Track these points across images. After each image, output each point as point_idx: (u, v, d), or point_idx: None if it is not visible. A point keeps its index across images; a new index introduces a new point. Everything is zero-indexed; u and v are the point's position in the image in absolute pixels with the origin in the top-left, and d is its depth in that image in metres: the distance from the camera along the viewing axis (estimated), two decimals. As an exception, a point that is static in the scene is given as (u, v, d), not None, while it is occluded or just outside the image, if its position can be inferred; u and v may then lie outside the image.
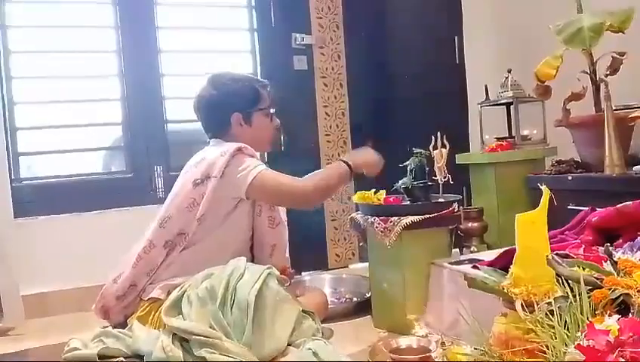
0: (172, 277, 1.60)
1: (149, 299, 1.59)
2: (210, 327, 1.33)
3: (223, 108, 1.79)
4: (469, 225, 2.37)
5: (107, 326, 1.57)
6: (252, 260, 1.70)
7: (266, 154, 3.03)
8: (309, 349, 1.34)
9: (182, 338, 1.33)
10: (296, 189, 1.68)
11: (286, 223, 1.80)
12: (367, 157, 1.83)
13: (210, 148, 1.77)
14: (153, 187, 2.79)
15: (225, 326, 1.33)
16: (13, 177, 2.54)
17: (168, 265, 1.63)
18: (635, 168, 1.96)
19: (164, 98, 2.85)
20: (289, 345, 1.38)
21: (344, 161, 1.75)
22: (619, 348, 0.83)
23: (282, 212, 1.79)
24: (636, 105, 2.06)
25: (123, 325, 1.59)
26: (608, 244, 1.27)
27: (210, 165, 1.64)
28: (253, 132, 1.81)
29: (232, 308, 1.35)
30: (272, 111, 1.87)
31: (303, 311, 1.48)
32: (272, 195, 1.68)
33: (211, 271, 1.45)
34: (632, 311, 0.96)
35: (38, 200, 2.56)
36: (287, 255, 1.88)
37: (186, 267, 1.60)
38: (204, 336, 1.29)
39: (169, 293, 1.51)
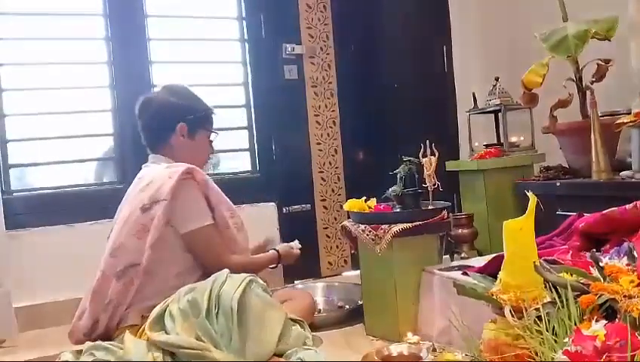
0: (144, 301, 1.59)
1: (126, 326, 1.56)
2: (197, 339, 1.32)
3: (174, 113, 1.79)
4: (459, 231, 2.38)
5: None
6: None
7: (258, 164, 3.05)
8: (300, 359, 1.35)
9: (171, 353, 1.32)
10: (221, 264, 1.62)
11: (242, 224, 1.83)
12: (291, 255, 2.03)
13: (152, 168, 1.75)
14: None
15: (213, 335, 1.32)
16: (4, 189, 2.53)
17: (136, 292, 1.59)
18: (621, 173, 1.97)
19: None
20: (280, 355, 1.38)
21: (277, 251, 1.94)
22: (606, 354, 0.84)
23: (234, 215, 1.79)
24: (622, 112, 2.08)
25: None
26: (594, 250, 1.28)
27: (157, 189, 1.61)
28: (191, 147, 1.81)
29: (217, 316, 1.34)
30: (213, 136, 1.89)
31: (291, 318, 1.49)
32: (202, 255, 1.68)
33: (194, 286, 1.44)
34: (618, 316, 0.97)
35: (30, 211, 2.55)
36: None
37: (159, 289, 1.58)
38: (191, 348, 1.29)
39: (143, 317, 1.50)
